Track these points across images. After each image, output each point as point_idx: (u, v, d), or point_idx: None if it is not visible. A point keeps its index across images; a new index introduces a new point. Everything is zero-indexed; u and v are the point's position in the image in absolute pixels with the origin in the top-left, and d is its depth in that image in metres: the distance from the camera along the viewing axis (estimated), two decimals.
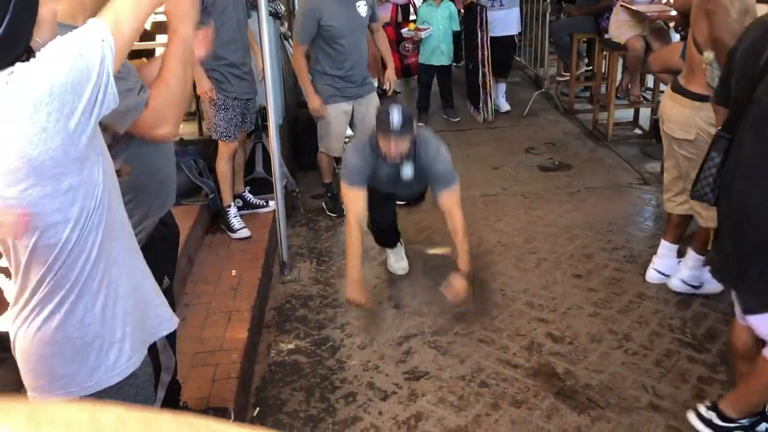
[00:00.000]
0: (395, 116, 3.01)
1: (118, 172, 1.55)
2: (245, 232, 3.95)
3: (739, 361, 2.47)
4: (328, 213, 4.59)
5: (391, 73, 4.66)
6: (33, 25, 1.28)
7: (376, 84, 6.26)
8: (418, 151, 3.21)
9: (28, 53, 1.26)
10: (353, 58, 4.19)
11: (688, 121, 3.02)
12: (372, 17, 4.32)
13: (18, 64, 1.21)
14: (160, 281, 2.09)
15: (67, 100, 1.19)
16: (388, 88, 4.75)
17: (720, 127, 2.36)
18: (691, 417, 2.53)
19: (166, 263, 2.17)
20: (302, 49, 4.15)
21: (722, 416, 2.45)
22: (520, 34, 7.51)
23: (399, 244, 3.88)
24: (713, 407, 2.49)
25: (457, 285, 3.23)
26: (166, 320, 1.63)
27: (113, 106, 1.28)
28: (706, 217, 3.13)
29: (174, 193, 2.22)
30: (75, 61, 1.21)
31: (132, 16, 1.33)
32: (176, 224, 2.30)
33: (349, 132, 4.57)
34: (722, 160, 2.29)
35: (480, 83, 6.20)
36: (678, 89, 3.10)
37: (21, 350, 1.44)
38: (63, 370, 1.43)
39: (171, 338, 2.22)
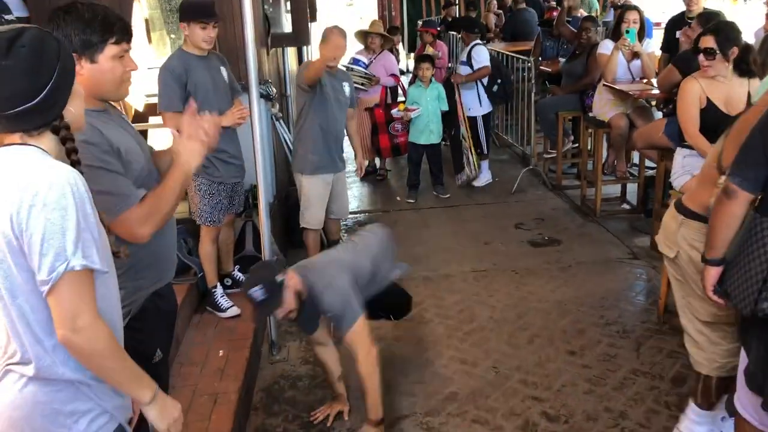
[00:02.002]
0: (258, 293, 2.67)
1: (117, 254, 1.58)
2: (234, 311, 3.90)
3: None
4: None
5: (360, 160, 4.97)
6: (69, 93, 1.46)
7: (366, 163, 6.40)
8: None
9: (60, 119, 1.45)
10: (338, 131, 4.42)
11: (670, 236, 2.63)
12: (351, 102, 4.54)
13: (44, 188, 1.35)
14: (152, 354, 2.05)
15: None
16: (358, 171, 4.98)
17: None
18: None
19: (158, 335, 2.12)
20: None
21: None
22: (507, 112, 7.72)
23: None
24: None
25: None
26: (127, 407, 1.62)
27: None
28: (699, 359, 2.67)
29: (172, 265, 2.20)
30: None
31: None
32: (174, 297, 2.26)
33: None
34: None
35: (462, 144, 6.38)
36: (676, 203, 2.67)
37: None
38: None
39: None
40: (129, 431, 1.59)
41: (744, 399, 2.29)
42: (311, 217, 4.43)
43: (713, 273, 2.30)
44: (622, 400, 3.20)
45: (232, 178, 3.83)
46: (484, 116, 6.60)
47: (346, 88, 4.44)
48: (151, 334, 2.05)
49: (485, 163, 6.74)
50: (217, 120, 2.01)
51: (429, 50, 7.92)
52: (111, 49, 1.87)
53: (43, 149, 1.43)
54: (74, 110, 1.49)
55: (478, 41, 6.60)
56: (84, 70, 1.85)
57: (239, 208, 4.05)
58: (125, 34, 1.91)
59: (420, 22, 11.43)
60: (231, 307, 3.91)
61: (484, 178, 6.72)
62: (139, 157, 1.99)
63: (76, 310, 1.38)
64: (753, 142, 2.09)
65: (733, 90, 3.69)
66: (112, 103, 2.10)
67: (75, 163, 1.47)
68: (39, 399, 1.43)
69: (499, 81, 6.51)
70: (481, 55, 6.45)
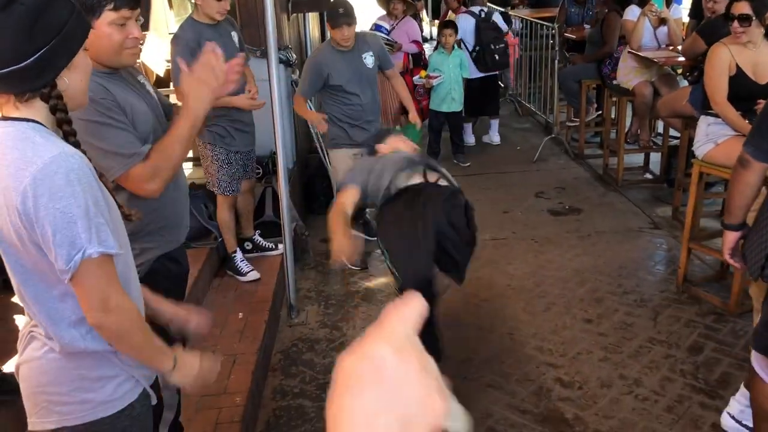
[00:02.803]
0: None
1: (128, 217, 1.60)
2: (254, 275, 3.96)
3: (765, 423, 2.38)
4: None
5: (413, 116, 4.64)
6: (65, 65, 1.37)
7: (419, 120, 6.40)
8: None
9: (51, 88, 1.36)
10: (365, 108, 4.26)
11: None
12: (383, 65, 4.38)
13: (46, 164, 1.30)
14: None
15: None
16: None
17: None
18: None
19: (167, 298, 2.16)
20: (303, 99, 4.25)
21: None
22: (530, 80, 7.61)
23: None
24: None
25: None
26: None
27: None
28: None
29: (184, 229, 2.22)
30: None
31: None
32: (186, 260, 2.29)
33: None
34: None
35: None
36: None
37: (23, 377, 1.50)
38: (59, 398, 1.47)
39: None
40: (153, 395, 1.62)
41: (760, 359, 2.31)
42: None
43: (730, 237, 2.34)
44: (637, 368, 3.21)
45: (247, 146, 3.85)
46: (466, 80, 6.53)
47: (368, 59, 4.23)
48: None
49: (494, 122, 6.97)
50: (233, 68, 1.93)
51: (451, 17, 7.82)
52: (108, 15, 1.80)
53: (40, 123, 1.37)
54: (69, 82, 1.40)
55: (477, 7, 6.72)
56: None
57: (253, 174, 4.08)
58: (127, 1, 1.83)
59: None
60: (251, 271, 3.96)
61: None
62: (147, 119, 1.97)
63: (103, 294, 1.37)
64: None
65: (760, 57, 3.61)
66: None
67: (68, 134, 1.41)
68: (65, 365, 1.45)
69: (477, 47, 6.50)
70: (458, 23, 6.60)
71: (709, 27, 4.33)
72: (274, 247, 4.24)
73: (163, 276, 2.07)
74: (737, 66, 3.62)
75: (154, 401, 1.63)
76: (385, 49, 4.45)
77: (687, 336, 3.45)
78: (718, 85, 3.68)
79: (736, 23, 3.53)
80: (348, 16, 4.04)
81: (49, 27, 1.32)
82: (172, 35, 4.60)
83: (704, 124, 3.81)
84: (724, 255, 2.39)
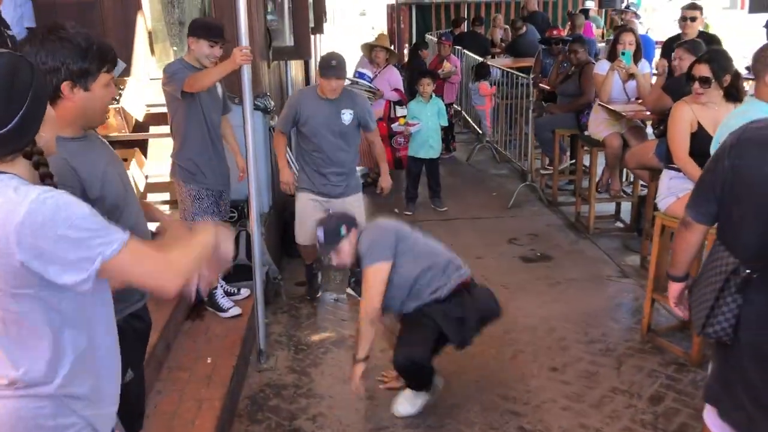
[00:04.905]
0: (320, 234, 3.34)
1: None
2: (236, 311, 3.99)
3: None
4: (306, 296, 4.69)
5: (383, 179, 4.73)
6: (42, 119, 1.45)
7: (365, 172, 6.54)
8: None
9: (33, 144, 1.43)
10: (329, 159, 4.29)
11: None
12: (364, 127, 4.40)
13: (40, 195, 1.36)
14: (123, 373, 2.12)
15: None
16: (380, 192, 4.82)
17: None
18: None
19: (132, 355, 2.18)
20: (281, 135, 4.42)
21: None
22: (509, 127, 7.77)
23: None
24: None
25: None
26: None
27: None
28: None
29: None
30: None
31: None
32: (149, 317, 2.33)
33: None
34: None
35: None
36: None
37: None
38: None
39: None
40: None
41: (710, 411, 2.37)
42: (298, 232, 4.49)
43: (675, 288, 2.44)
44: (599, 417, 3.25)
45: (218, 185, 3.91)
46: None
47: (346, 116, 4.26)
48: (125, 354, 2.09)
49: None
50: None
51: (446, 65, 8.03)
52: (104, 78, 1.89)
53: (18, 176, 1.41)
54: (46, 135, 1.47)
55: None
56: (76, 97, 1.85)
57: (225, 216, 4.14)
58: (114, 63, 1.94)
59: (428, 35, 11.54)
60: (232, 307, 4.00)
61: None
62: (115, 179, 2.03)
63: (145, 270, 1.48)
64: (705, 179, 2.18)
65: (721, 115, 3.74)
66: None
67: (51, 186, 1.45)
68: (22, 414, 1.45)
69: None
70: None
71: (675, 84, 4.50)
72: (236, 291, 4.26)
73: (127, 334, 2.09)
74: (698, 123, 3.76)
75: None
76: (370, 113, 4.44)
77: (649, 386, 3.50)
78: (679, 141, 3.81)
79: (696, 84, 3.69)
80: (339, 70, 4.16)
81: (22, 89, 1.39)
82: (152, 80, 4.72)
83: (666, 177, 3.93)
84: (671, 304, 2.50)
